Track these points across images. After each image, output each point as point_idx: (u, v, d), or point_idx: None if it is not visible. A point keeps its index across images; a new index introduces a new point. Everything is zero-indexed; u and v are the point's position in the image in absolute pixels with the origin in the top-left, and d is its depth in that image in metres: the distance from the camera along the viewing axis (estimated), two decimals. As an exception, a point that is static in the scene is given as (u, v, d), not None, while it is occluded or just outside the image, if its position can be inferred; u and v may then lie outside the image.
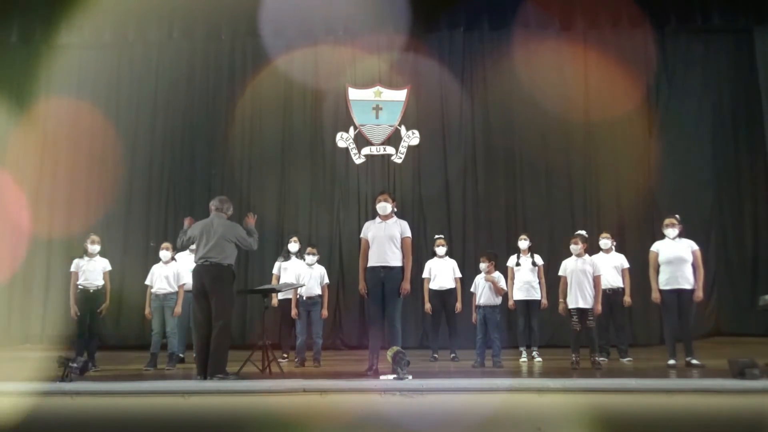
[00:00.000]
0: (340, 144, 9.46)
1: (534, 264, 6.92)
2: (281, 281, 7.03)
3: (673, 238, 6.19)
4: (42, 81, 9.62)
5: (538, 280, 6.90)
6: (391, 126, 9.48)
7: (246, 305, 8.88)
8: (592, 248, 6.70)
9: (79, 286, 6.40)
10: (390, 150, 9.44)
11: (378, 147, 9.45)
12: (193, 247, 7.11)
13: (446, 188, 9.33)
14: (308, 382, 4.36)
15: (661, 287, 6.10)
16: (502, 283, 6.45)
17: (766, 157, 9.13)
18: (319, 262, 7.07)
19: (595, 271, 6.10)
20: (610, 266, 6.75)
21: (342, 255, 9.13)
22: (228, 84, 9.68)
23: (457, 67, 9.53)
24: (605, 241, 6.93)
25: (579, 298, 6.02)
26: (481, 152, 9.40)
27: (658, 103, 9.36)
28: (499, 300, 6.40)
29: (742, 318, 8.79)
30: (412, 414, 3.94)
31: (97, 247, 6.53)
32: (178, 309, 6.62)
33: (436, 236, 7.64)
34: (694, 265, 6.10)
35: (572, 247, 6.15)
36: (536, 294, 6.86)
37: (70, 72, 9.70)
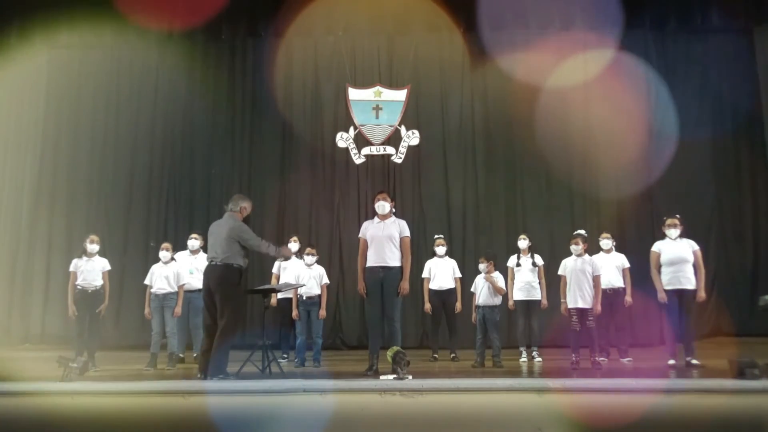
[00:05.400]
0: (340, 144, 9.46)
1: (534, 264, 6.92)
2: (281, 281, 7.02)
3: (675, 239, 6.18)
4: (42, 81, 9.62)
5: (538, 281, 6.90)
6: (391, 126, 9.48)
7: (246, 305, 8.87)
8: (593, 248, 6.70)
9: (78, 286, 6.38)
10: (390, 150, 9.44)
11: (378, 147, 9.45)
12: (195, 247, 7.20)
13: (446, 188, 9.33)
14: (308, 382, 4.37)
15: (663, 287, 6.09)
16: (501, 283, 6.45)
17: (766, 157, 9.14)
18: (318, 262, 7.07)
19: (594, 270, 6.09)
20: (610, 266, 6.74)
21: (342, 255, 9.13)
22: (228, 84, 9.68)
23: (457, 67, 9.53)
24: (606, 242, 6.93)
25: (578, 297, 6.01)
26: (481, 152, 9.40)
27: (658, 103, 9.37)
28: (498, 300, 6.41)
29: (742, 318, 8.79)
30: (412, 414, 3.94)
31: (96, 247, 6.51)
32: (178, 309, 6.62)
33: (436, 236, 7.64)
34: (695, 265, 6.09)
35: (573, 247, 6.14)
36: (536, 294, 6.86)
37: (70, 72, 9.71)
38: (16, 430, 3.91)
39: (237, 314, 5.25)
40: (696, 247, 6.16)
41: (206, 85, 9.70)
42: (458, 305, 7.23)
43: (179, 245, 7.39)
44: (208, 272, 5.25)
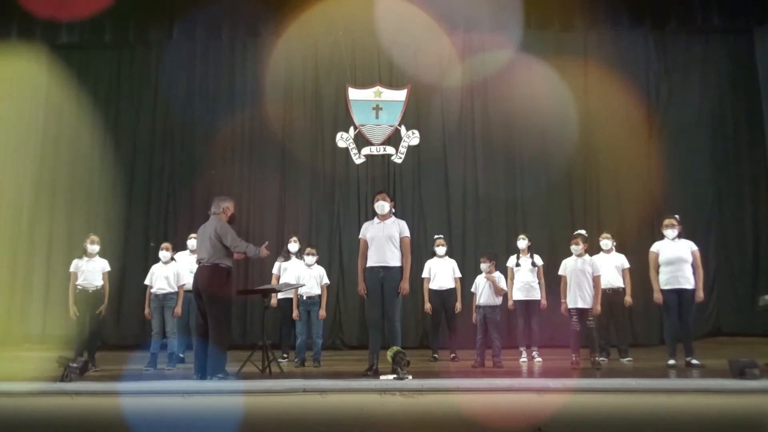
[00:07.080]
0: (340, 144, 9.46)
1: (534, 264, 6.92)
2: (281, 281, 7.03)
3: (673, 239, 6.18)
4: (42, 81, 9.62)
5: (537, 281, 6.90)
6: (391, 126, 9.48)
7: (246, 305, 8.88)
8: (593, 248, 6.70)
9: (78, 287, 6.38)
10: (390, 150, 9.44)
11: (378, 147, 9.45)
12: (195, 247, 7.20)
13: (446, 188, 9.34)
14: (308, 382, 4.37)
15: (662, 287, 6.09)
16: (503, 283, 6.45)
17: (766, 157, 9.14)
18: (318, 262, 7.07)
19: (594, 271, 6.09)
20: (610, 266, 6.74)
21: (342, 255, 9.13)
22: (227, 84, 9.68)
23: (457, 67, 9.52)
24: (606, 242, 6.92)
25: (578, 298, 6.01)
26: (481, 152, 9.40)
27: (658, 103, 9.39)
28: (499, 300, 6.41)
29: (742, 318, 8.79)
30: (412, 414, 3.94)
31: (96, 248, 6.51)
32: (178, 309, 6.62)
33: (436, 236, 7.64)
34: (693, 266, 6.09)
35: (573, 247, 6.15)
36: (536, 294, 6.86)
37: (70, 72, 9.71)
38: (16, 430, 3.91)
39: (225, 314, 5.28)
40: (694, 247, 6.16)
41: (206, 85, 9.71)
42: (458, 305, 7.22)
43: (179, 245, 7.39)
44: (197, 274, 5.33)
